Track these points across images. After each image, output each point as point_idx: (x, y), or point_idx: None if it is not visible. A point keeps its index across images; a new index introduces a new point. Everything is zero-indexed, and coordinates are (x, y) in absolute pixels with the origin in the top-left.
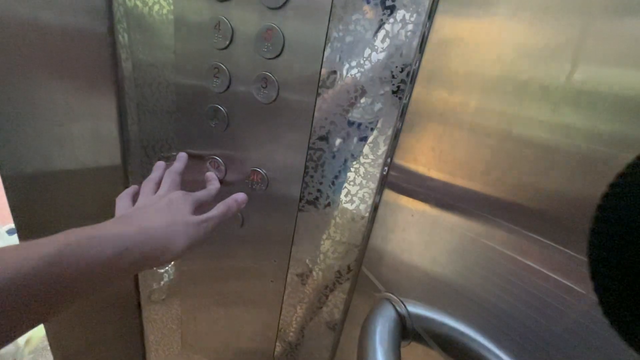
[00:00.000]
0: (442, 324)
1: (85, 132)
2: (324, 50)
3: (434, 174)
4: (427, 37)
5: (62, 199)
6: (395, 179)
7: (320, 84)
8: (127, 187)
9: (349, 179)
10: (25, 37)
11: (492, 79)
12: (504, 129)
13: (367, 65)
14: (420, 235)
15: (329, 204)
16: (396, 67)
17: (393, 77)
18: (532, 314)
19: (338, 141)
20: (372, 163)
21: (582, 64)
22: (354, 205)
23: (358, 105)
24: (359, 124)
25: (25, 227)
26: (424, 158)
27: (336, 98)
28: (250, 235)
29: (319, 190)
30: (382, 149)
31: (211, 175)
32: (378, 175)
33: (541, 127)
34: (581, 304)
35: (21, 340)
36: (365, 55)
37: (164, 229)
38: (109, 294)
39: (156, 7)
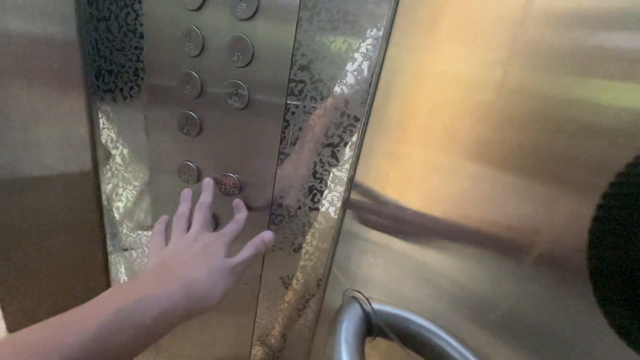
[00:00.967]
0: (406, 319)
1: (53, 137)
2: (291, 61)
3: (392, 181)
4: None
5: (30, 206)
6: (359, 183)
7: (288, 92)
8: (99, 194)
9: (317, 185)
10: None
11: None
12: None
13: (334, 78)
14: (382, 237)
15: (299, 208)
16: (358, 84)
17: (358, 91)
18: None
19: (307, 147)
20: (340, 168)
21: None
22: (323, 208)
23: (325, 113)
24: (327, 131)
25: None
26: (385, 162)
27: (305, 106)
28: None
29: (290, 195)
30: (348, 154)
31: (239, 203)
32: (345, 178)
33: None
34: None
35: None
36: (332, 68)
37: (204, 281)
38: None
39: (127, 14)
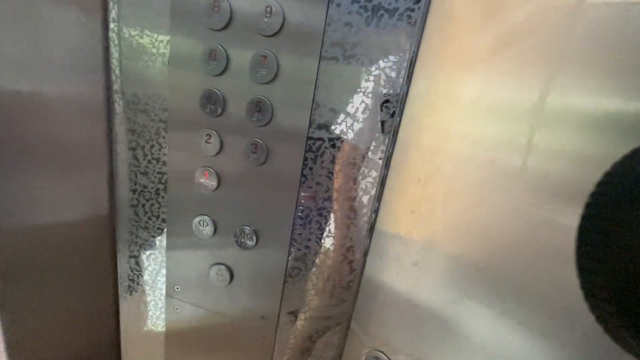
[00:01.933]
0: None
1: (72, 193)
2: (309, 124)
3: (415, 236)
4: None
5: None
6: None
7: (307, 149)
8: (114, 243)
9: (337, 236)
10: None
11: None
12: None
13: (350, 135)
14: (406, 290)
15: (316, 260)
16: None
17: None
18: None
19: (324, 201)
20: (359, 221)
21: (546, 122)
22: (342, 261)
23: (343, 167)
24: (345, 184)
25: None
26: (404, 219)
27: (322, 164)
28: (240, 291)
29: (307, 247)
30: (367, 207)
31: None
32: (365, 232)
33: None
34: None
35: None
36: (347, 125)
37: None
38: (89, 349)
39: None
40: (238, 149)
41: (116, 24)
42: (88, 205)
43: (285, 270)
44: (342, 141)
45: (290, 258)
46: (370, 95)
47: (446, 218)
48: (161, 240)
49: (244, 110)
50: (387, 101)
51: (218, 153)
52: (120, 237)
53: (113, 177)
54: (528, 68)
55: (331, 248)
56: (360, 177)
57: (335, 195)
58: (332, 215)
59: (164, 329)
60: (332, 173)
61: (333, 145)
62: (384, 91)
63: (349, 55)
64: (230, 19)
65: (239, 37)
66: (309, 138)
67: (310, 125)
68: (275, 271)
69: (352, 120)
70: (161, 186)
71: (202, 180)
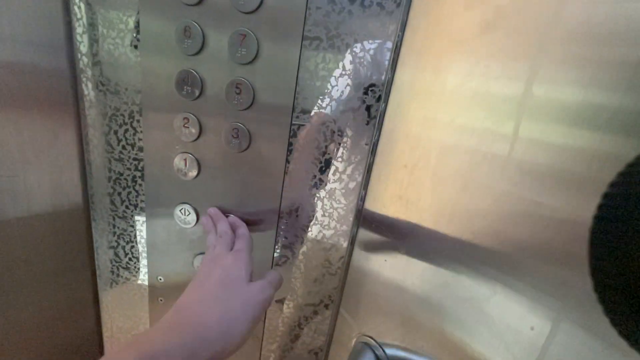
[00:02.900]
0: None
1: (43, 182)
2: (294, 100)
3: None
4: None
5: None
6: (367, 221)
7: (291, 135)
8: (90, 234)
9: (324, 224)
10: None
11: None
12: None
13: (336, 110)
14: (394, 276)
15: (303, 248)
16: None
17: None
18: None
19: (311, 188)
20: (345, 207)
21: (533, 106)
22: (330, 248)
23: (329, 152)
24: (331, 169)
25: None
26: (391, 204)
27: (307, 148)
28: None
29: (295, 235)
30: (353, 194)
31: (234, 219)
32: (351, 219)
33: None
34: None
35: None
36: (333, 106)
37: (217, 325)
38: (70, 345)
39: (122, 56)
40: (218, 134)
41: None
42: (61, 195)
43: (272, 259)
44: (330, 121)
45: (277, 246)
46: (355, 78)
47: (433, 203)
48: (141, 231)
49: (223, 92)
50: (372, 85)
51: (197, 138)
52: (97, 228)
53: (85, 165)
54: (514, 51)
55: (318, 235)
56: (347, 164)
57: (321, 181)
58: (318, 202)
59: (148, 321)
60: (317, 159)
61: (318, 130)
62: (369, 74)
63: (333, 35)
64: None
65: (215, 13)
66: (293, 123)
67: (293, 110)
68: (262, 260)
69: (337, 104)
70: (138, 173)
71: (182, 167)
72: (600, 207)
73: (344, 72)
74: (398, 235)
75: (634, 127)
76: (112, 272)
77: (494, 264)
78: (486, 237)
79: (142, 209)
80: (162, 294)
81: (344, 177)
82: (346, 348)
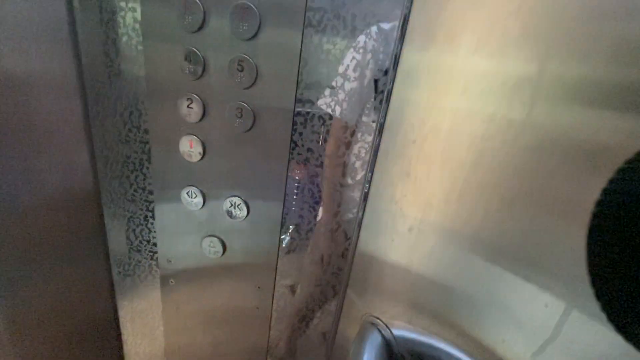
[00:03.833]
0: (429, 346)
1: (54, 166)
2: (297, 79)
3: (410, 200)
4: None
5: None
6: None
7: (295, 113)
8: (102, 217)
9: (330, 205)
10: None
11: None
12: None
13: (341, 96)
14: (402, 256)
15: (310, 230)
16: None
17: (370, 107)
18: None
19: (316, 168)
20: (352, 187)
21: (540, 98)
22: (336, 230)
23: (335, 132)
24: (337, 151)
25: None
26: (399, 182)
27: (312, 128)
28: (234, 262)
29: (300, 216)
30: (360, 174)
31: None
32: (358, 199)
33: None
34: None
35: None
36: (338, 84)
37: None
38: (87, 324)
39: (124, 38)
40: (222, 114)
41: None
42: (72, 179)
43: (279, 241)
44: (333, 103)
45: (283, 228)
46: (361, 50)
47: (443, 178)
48: (150, 213)
49: (225, 70)
50: (379, 58)
51: (201, 119)
52: (107, 212)
53: (94, 148)
54: (527, 24)
55: (325, 216)
56: (352, 142)
57: (327, 161)
58: (325, 183)
59: (160, 302)
60: (323, 138)
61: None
62: (376, 45)
63: (337, 5)
64: None
65: None
66: (297, 99)
67: (298, 86)
68: (268, 242)
69: (343, 79)
70: (145, 156)
71: (187, 148)
72: (599, 203)
73: (349, 45)
74: (406, 214)
75: None
76: (125, 255)
77: (507, 242)
78: (499, 214)
79: (150, 192)
80: (172, 275)
81: (350, 156)
82: (353, 328)
